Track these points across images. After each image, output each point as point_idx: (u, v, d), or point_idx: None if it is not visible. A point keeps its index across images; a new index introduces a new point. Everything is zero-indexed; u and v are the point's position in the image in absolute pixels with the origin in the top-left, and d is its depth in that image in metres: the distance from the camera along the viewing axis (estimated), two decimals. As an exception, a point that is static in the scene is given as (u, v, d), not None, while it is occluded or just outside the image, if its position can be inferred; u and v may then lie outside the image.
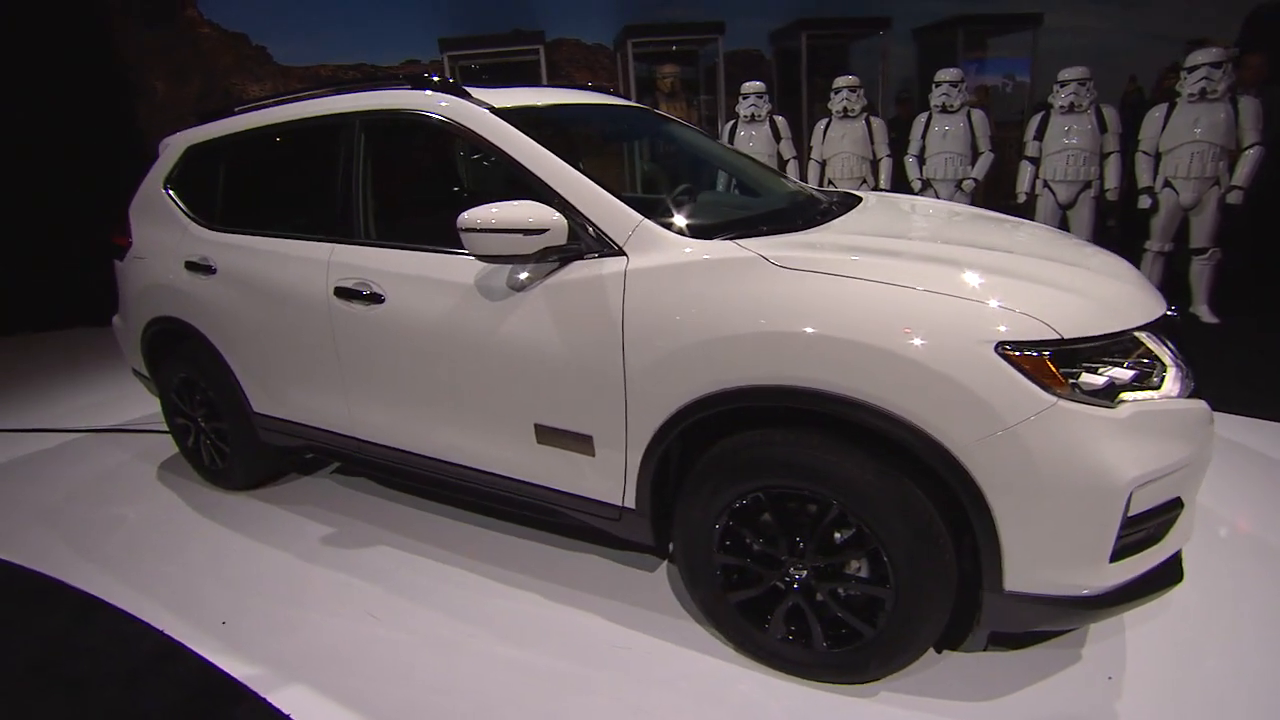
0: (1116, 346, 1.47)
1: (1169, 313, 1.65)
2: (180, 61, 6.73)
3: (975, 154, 5.13)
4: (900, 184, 5.41)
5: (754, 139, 5.48)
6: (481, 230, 1.68)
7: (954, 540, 1.52)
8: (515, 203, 1.70)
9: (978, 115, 5.11)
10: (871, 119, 5.40)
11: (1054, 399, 1.35)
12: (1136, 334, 1.51)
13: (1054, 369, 1.37)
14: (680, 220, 1.77)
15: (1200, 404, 1.53)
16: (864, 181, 5.38)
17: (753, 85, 5.51)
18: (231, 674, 1.90)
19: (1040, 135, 4.74)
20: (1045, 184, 4.77)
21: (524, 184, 1.85)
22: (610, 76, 7.63)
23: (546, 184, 1.81)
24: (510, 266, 1.83)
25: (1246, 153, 4.13)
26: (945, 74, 5.11)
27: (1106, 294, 1.56)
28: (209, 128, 2.76)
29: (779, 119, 5.59)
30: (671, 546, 1.86)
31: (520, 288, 1.82)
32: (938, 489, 1.49)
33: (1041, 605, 1.47)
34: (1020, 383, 1.35)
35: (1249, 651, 1.74)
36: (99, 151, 5.99)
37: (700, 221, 1.82)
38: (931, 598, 1.53)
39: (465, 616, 2.06)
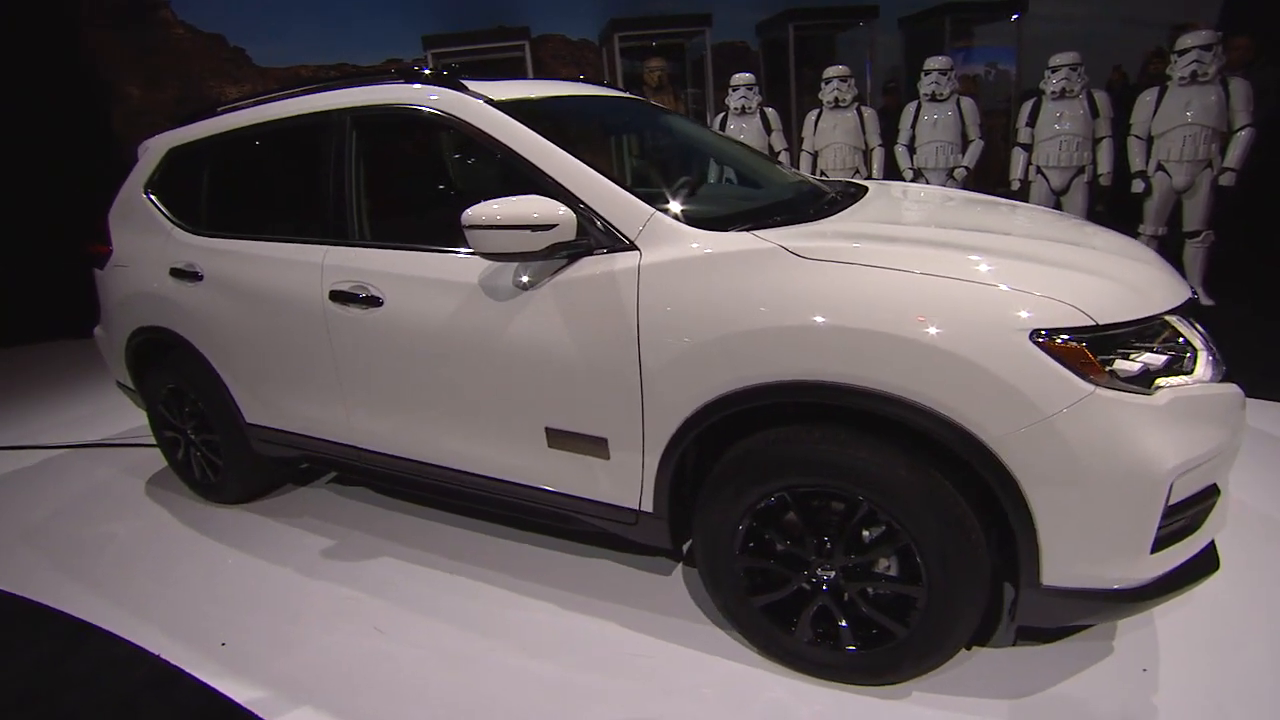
0: (1149, 331, 1.43)
1: (1193, 295, 1.62)
2: (155, 65, 6.55)
3: (965, 142, 5.12)
4: (892, 173, 5.39)
5: (744, 131, 5.42)
6: (487, 227, 1.61)
7: (985, 534, 1.47)
8: (521, 198, 1.63)
9: (967, 103, 5.09)
10: (863, 109, 5.37)
11: (1091, 387, 1.31)
12: (1167, 318, 1.47)
13: (1091, 356, 1.33)
14: (691, 212, 1.71)
15: (1233, 388, 1.50)
16: (856, 171, 5.35)
17: (742, 77, 5.46)
18: (234, 698, 1.82)
19: (1032, 121, 4.73)
20: (1038, 170, 4.76)
21: (527, 179, 1.78)
22: (596, 71, 7.55)
23: (552, 178, 1.74)
24: (516, 264, 1.76)
25: (1238, 134, 4.14)
26: (934, 62, 5.08)
27: (1136, 278, 1.52)
28: (191, 129, 2.65)
29: (769, 110, 5.54)
30: (685, 548, 1.81)
31: (527, 286, 1.75)
32: (969, 482, 1.44)
33: (1080, 599, 1.43)
34: (1057, 371, 1.31)
35: (1281, 637, 1.72)
36: (73, 158, 5.81)
37: (711, 213, 1.76)
38: (966, 594, 1.48)
39: (477, 628, 1.99)
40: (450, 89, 1.98)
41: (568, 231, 1.63)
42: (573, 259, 1.71)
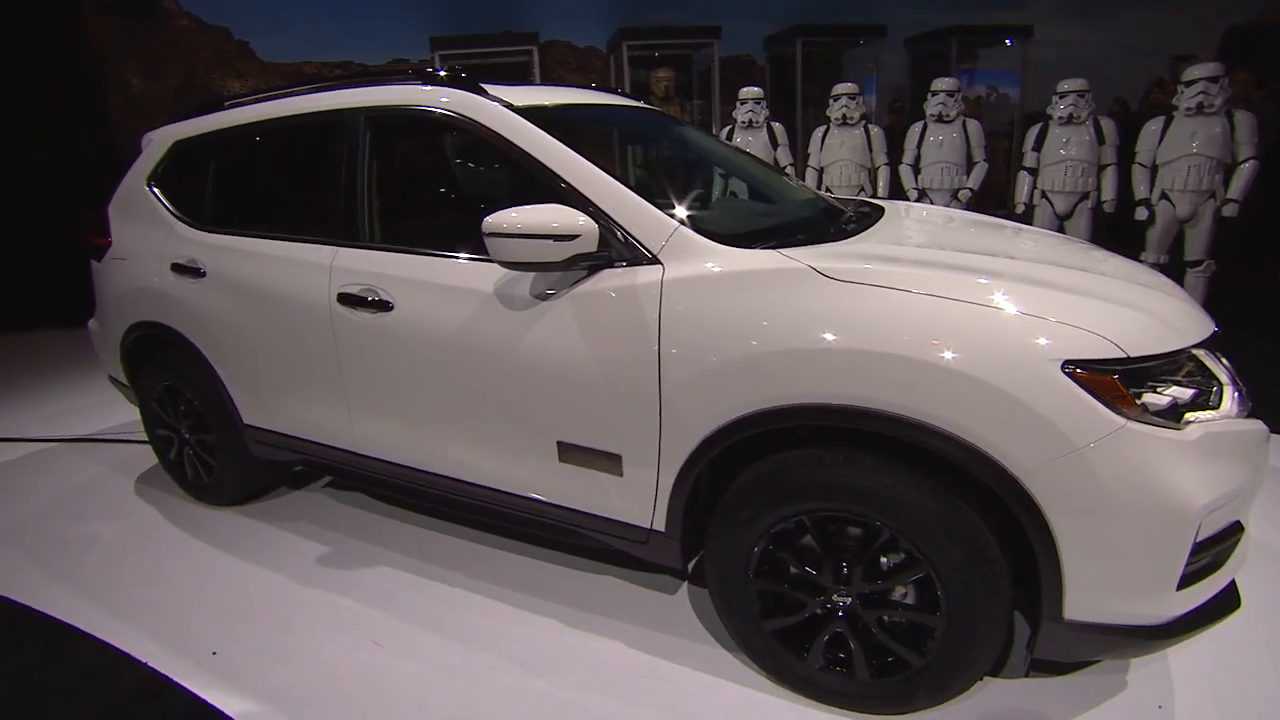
0: (1177, 365, 1.42)
1: (1218, 329, 1.61)
2: (156, 55, 6.47)
3: (970, 163, 5.14)
4: (896, 193, 5.40)
5: (750, 145, 5.42)
6: (507, 235, 1.57)
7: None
8: (543, 206, 1.60)
9: (973, 125, 5.12)
10: (870, 127, 5.39)
11: (1123, 420, 1.29)
12: (1194, 351, 1.46)
13: (1124, 389, 1.31)
14: (715, 227, 1.68)
15: (1258, 424, 1.48)
16: (861, 189, 5.36)
17: (751, 91, 5.47)
18: (224, 710, 1.76)
19: (1038, 146, 4.76)
20: (1043, 194, 4.79)
21: (546, 187, 1.75)
22: (602, 79, 7.55)
23: (574, 187, 1.71)
24: (534, 275, 1.73)
25: (1242, 166, 4.18)
26: (942, 83, 5.11)
27: (1165, 310, 1.51)
28: (198, 122, 2.60)
29: (776, 125, 5.55)
30: (690, 567, 1.77)
31: (544, 297, 1.72)
32: (991, 512, 1.42)
33: (1101, 635, 1.40)
34: (1088, 403, 1.29)
35: (1295, 676, 1.70)
36: (70, 147, 5.72)
37: (734, 229, 1.73)
38: (987, 625, 1.45)
39: (479, 644, 1.94)
40: (469, 92, 1.95)
41: (590, 243, 1.60)
42: (592, 271, 1.68)
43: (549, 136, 1.80)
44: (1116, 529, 1.31)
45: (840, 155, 5.34)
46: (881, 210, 2.21)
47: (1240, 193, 4.20)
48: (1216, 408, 1.43)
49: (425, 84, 2.03)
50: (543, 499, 1.90)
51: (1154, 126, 4.38)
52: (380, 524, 2.62)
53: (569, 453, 1.78)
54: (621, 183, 1.71)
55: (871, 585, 1.54)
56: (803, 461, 1.52)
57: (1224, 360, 1.52)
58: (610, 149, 2.47)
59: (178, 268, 2.50)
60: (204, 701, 1.79)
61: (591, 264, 1.66)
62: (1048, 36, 7.58)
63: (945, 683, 1.53)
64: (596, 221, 1.63)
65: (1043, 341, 1.32)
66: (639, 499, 1.73)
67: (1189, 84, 4.19)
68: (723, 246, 1.60)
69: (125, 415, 3.78)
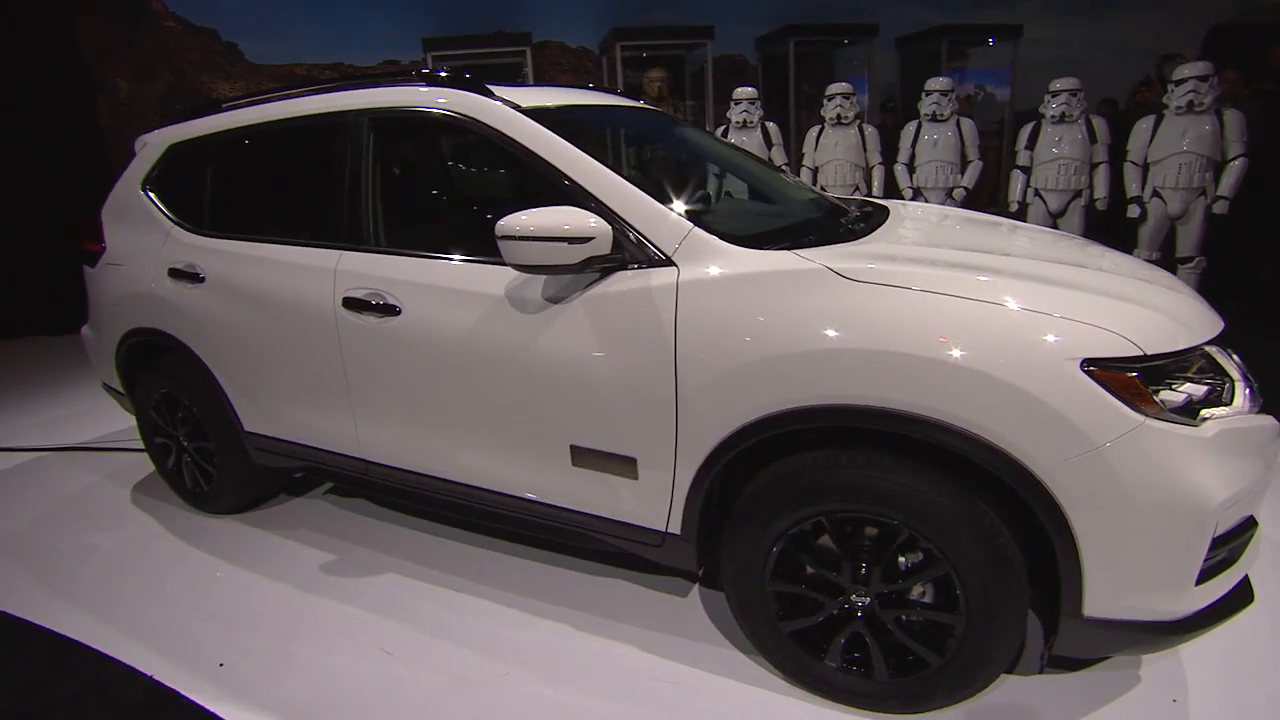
0: (1192, 362, 1.43)
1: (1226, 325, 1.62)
2: (144, 57, 6.38)
3: (964, 162, 5.18)
4: (891, 192, 5.42)
5: (745, 145, 5.42)
6: (521, 238, 1.56)
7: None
8: (556, 209, 1.59)
9: (967, 124, 5.16)
10: (864, 126, 5.41)
11: (1142, 418, 1.30)
12: (1207, 349, 1.47)
13: (1143, 387, 1.31)
14: (727, 228, 1.67)
15: (1270, 419, 1.49)
16: (856, 189, 5.38)
17: (745, 91, 5.47)
18: (235, 724, 1.73)
19: (1031, 145, 4.80)
20: (1037, 192, 4.83)
21: (557, 189, 1.73)
22: (595, 80, 7.53)
23: (586, 189, 1.69)
24: (545, 277, 1.71)
25: (1231, 164, 4.23)
26: (936, 83, 5.14)
27: (1177, 308, 1.52)
28: (194, 125, 2.56)
29: (770, 125, 5.55)
30: (701, 571, 1.76)
31: (557, 300, 1.70)
32: (1011, 510, 1.42)
33: (1121, 631, 1.41)
34: (1108, 401, 1.29)
35: (1305, 668, 1.72)
36: (57, 150, 5.62)
37: (747, 230, 1.72)
38: (1006, 623, 1.46)
39: (491, 651, 1.92)
40: (475, 93, 1.93)
41: (603, 245, 1.59)
42: (605, 273, 1.66)
43: (558, 138, 1.78)
44: (1136, 526, 1.31)
45: (835, 155, 5.35)
46: (885, 210, 2.21)
47: (1230, 190, 4.25)
48: (1229, 404, 1.44)
49: (430, 85, 2.01)
50: (555, 503, 1.89)
51: (1145, 125, 4.43)
52: (384, 530, 2.59)
53: (582, 456, 1.77)
54: (634, 184, 1.70)
55: (891, 585, 1.54)
56: (822, 462, 1.51)
57: (1234, 356, 1.53)
58: (616, 150, 2.45)
59: (175, 273, 2.46)
60: (213, 714, 1.76)
61: (605, 266, 1.64)
62: (1036, 36, 7.66)
63: (964, 681, 1.53)
64: (610, 224, 1.62)
65: (1062, 341, 1.32)
66: (654, 502, 1.72)
67: (1179, 83, 4.23)
68: (737, 248, 1.59)
69: (117, 423, 3.72)
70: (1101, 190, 4.66)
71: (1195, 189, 4.31)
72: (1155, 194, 4.42)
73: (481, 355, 1.82)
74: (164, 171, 2.63)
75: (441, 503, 2.14)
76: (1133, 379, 1.31)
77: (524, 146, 1.80)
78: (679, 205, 1.73)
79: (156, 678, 1.90)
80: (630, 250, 1.64)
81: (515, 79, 6.75)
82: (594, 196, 1.68)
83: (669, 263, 1.61)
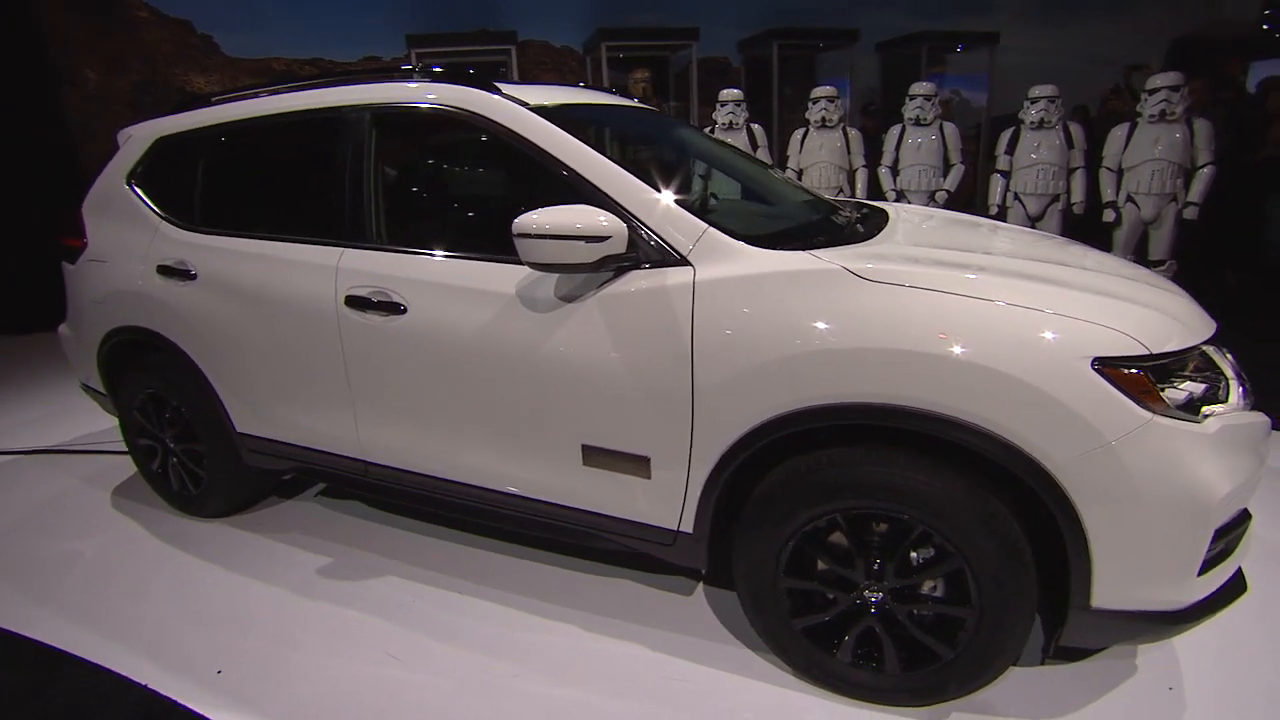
0: (1191, 361, 1.48)
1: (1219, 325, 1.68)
2: (114, 49, 6.17)
3: (947, 166, 5.28)
4: (874, 195, 5.51)
5: (732, 146, 5.46)
6: (538, 236, 1.55)
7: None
8: (572, 207, 1.58)
9: (949, 128, 5.26)
10: (848, 130, 5.48)
11: (1149, 414, 1.34)
12: (1204, 348, 1.52)
13: (1151, 384, 1.36)
14: (741, 229, 1.68)
15: (1262, 416, 1.56)
16: (840, 191, 5.45)
17: (731, 93, 5.51)
18: (238, 732, 1.69)
19: (1011, 150, 4.91)
20: (1016, 196, 4.94)
21: (570, 188, 1.73)
22: (579, 79, 7.51)
23: (600, 188, 1.69)
24: (558, 276, 1.70)
25: (1201, 171, 4.39)
26: (919, 88, 5.23)
27: (1175, 309, 1.57)
28: (183, 118, 2.49)
29: (756, 127, 5.60)
30: (705, 570, 1.78)
31: (570, 299, 1.70)
32: (1021, 505, 1.46)
33: (1127, 621, 1.46)
34: (1117, 399, 1.33)
35: (1290, 655, 1.79)
36: (19, 143, 5.41)
37: (759, 231, 1.74)
38: (1017, 616, 1.49)
39: (499, 653, 1.90)
40: (483, 90, 1.91)
41: (619, 244, 1.59)
42: (619, 272, 1.66)
43: (570, 136, 1.78)
44: (1144, 519, 1.36)
45: (819, 158, 5.42)
46: (884, 212, 2.25)
47: (1200, 196, 4.41)
48: (1225, 401, 1.50)
49: (435, 82, 1.99)
50: (565, 503, 1.88)
51: (1119, 132, 4.57)
52: (379, 532, 2.55)
53: (594, 456, 1.76)
54: (648, 183, 1.70)
55: (904, 580, 1.56)
56: (836, 460, 1.53)
57: (1228, 355, 1.59)
58: (619, 149, 2.45)
59: (164, 270, 2.39)
60: (214, 723, 1.72)
61: (619, 265, 1.64)
62: (1013, 43, 7.85)
63: (976, 673, 1.57)
64: (624, 223, 1.62)
65: (1074, 340, 1.36)
66: (667, 501, 1.72)
67: (1152, 92, 4.38)
68: (753, 248, 1.60)
69: (92, 425, 3.60)
70: (1079, 195, 4.79)
71: (1167, 195, 4.46)
72: (1129, 199, 4.57)
73: (491, 354, 1.80)
74: (151, 166, 2.55)
75: (445, 503, 2.12)
76: (1141, 377, 1.36)
77: (535, 144, 1.79)
78: (692, 206, 1.73)
79: (152, 687, 1.84)
80: (645, 249, 1.65)
81: (501, 78, 6.69)
82: (608, 195, 1.68)
83: (684, 262, 1.62)
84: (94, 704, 1.80)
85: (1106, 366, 1.35)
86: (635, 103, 2.70)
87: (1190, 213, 4.46)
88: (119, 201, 2.58)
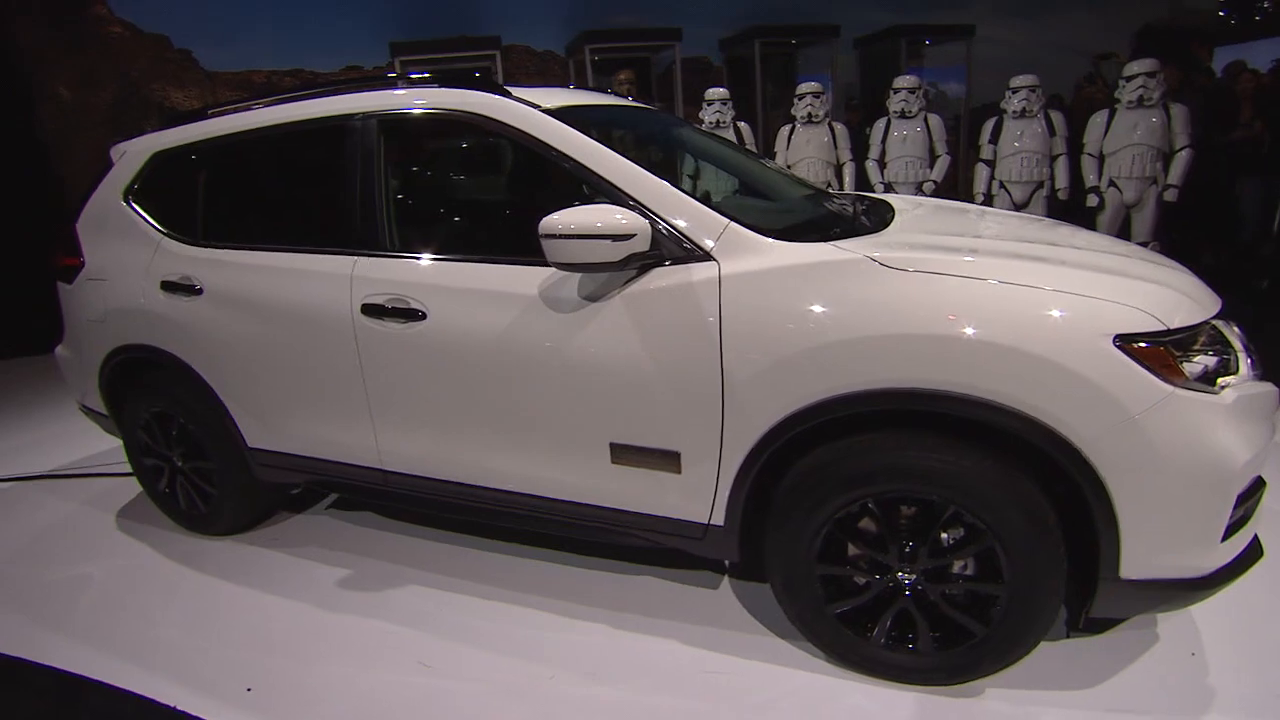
0: (1203, 335, 1.52)
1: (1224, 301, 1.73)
2: (88, 64, 6.05)
3: (933, 157, 5.36)
4: (862, 188, 5.58)
5: (720, 145, 5.50)
6: (564, 236, 1.56)
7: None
8: (597, 207, 1.59)
9: (934, 120, 5.34)
10: (834, 124, 5.54)
11: (1170, 387, 1.38)
12: (1214, 322, 1.57)
13: (1170, 359, 1.40)
14: (761, 223, 1.70)
15: (1270, 386, 1.61)
16: (829, 185, 5.51)
17: (717, 92, 5.55)
18: (274, 748, 1.67)
19: (994, 139, 5.00)
20: (1001, 184, 5.03)
21: (591, 187, 1.74)
22: (562, 83, 7.51)
23: (621, 188, 1.70)
24: (582, 275, 1.71)
25: (1178, 155, 4.50)
26: (904, 81, 5.31)
27: (1184, 285, 1.62)
28: (180, 132, 2.46)
29: (742, 125, 5.64)
30: (737, 561, 1.79)
31: (595, 298, 1.70)
32: (1049, 481, 1.49)
33: (1154, 590, 1.50)
34: (1140, 373, 1.37)
35: (1304, 617, 1.85)
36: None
37: (776, 225, 1.76)
38: (1047, 590, 1.53)
39: (533, 657, 1.90)
40: (497, 95, 1.92)
41: (643, 242, 1.60)
42: (643, 270, 1.67)
43: (586, 137, 1.79)
44: (1170, 489, 1.40)
45: (807, 153, 5.47)
46: (887, 203, 2.29)
47: (1178, 179, 4.52)
48: (1237, 373, 1.54)
49: (446, 87, 1.99)
50: (592, 502, 1.88)
51: (1099, 119, 4.67)
52: (395, 541, 2.54)
53: (623, 454, 1.77)
54: (667, 180, 1.71)
55: (938, 561, 1.59)
56: (868, 446, 1.56)
57: (1235, 329, 1.64)
58: (628, 149, 2.47)
59: (169, 286, 2.36)
60: (248, 740, 1.70)
61: (644, 263, 1.65)
62: (987, 35, 7.99)
63: (1009, 649, 1.60)
64: (647, 220, 1.63)
65: (1096, 319, 1.40)
66: (698, 495, 1.73)
67: (1129, 79, 4.48)
68: (776, 241, 1.63)
69: (87, 448, 3.53)
70: (1062, 181, 4.89)
71: (1147, 178, 4.56)
72: (1111, 184, 4.67)
73: (515, 356, 1.80)
74: (148, 181, 2.51)
75: (468, 509, 2.11)
76: (1161, 351, 1.40)
77: (552, 147, 1.80)
78: (711, 202, 1.75)
79: (180, 708, 1.81)
80: (668, 246, 1.66)
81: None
82: (629, 194, 1.69)
83: (708, 258, 1.63)
84: (123, 728, 1.77)
85: (1127, 343, 1.39)
86: (636, 103, 2.71)
87: (1170, 195, 4.57)
88: (116, 218, 2.54)
